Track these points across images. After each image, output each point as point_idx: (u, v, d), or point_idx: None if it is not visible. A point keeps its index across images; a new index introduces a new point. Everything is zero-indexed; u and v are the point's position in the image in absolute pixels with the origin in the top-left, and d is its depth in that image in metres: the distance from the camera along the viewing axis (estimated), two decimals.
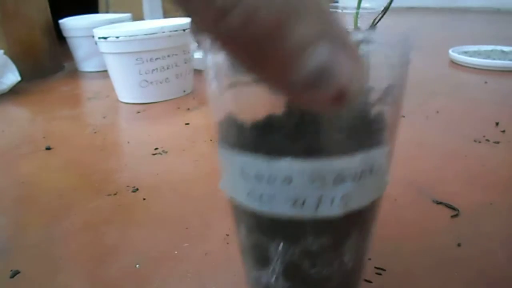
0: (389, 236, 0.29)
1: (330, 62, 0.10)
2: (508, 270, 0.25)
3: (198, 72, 0.71)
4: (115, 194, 0.37)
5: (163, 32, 0.61)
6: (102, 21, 0.86)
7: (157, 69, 0.63)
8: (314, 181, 0.16)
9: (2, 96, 0.71)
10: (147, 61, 0.62)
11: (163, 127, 0.54)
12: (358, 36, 0.15)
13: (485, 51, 0.85)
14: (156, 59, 0.63)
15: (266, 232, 0.19)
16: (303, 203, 0.16)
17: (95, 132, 0.53)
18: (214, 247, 0.29)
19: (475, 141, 0.45)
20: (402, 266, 0.26)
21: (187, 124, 0.54)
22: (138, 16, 0.95)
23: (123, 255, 0.29)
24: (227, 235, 0.30)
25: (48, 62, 0.89)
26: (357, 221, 0.19)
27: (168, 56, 0.64)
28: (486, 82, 0.67)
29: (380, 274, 0.25)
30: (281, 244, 0.19)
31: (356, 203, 0.17)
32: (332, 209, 0.17)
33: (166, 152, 0.45)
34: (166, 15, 1.07)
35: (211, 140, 0.48)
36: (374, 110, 0.17)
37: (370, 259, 0.26)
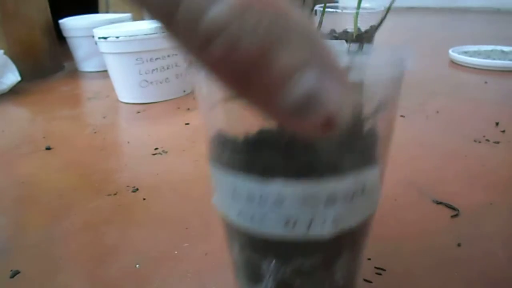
0: (389, 236, 0.29)
1: (317, 88, 0.10)
2: (508, 270, 0.25)
3: None
4: (115, 194, 0.37)
5: (163, 32, 0.61)
6: (102, 21, 0.86)
7: (157, 69, 0.63)
8: (306, 202, 0.16)
9: (2, 96, 0.71)
10: (147, 61, 0.62)
11: (163, 127, 0.54)
12: (348, 60, 0.15)
13: (485, 51, 0.85)
14: (156, 59, 0.63)
15: (258, 250, 0.19)
16: (295, 223, 0.16)
17: (95, 132, 0.53)
18: (214, 247, 0.29)
19: (475, 141, 0.45)
20: (402, 266, 0.26)
21: (187, 124, 0.54)
22: (138, 16, 0.95)
23: (123, 255, 0.29)
24: None
25: (48, 62, 0.89)
26: (349, 240, 0.19)
27: (168, 56, 0.64)
28: (486, 82, 0.67)
29: (380, 274, 0.25)
30: (273, 263, 0.19)
31: (348, 223, 0.17)
32: (324, 229, 0.17)
33: (166, 152, 0.45)
34: None
35: None
36: (366, 128, 0.17)
37: (370, 259, 0.26)
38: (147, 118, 0.59)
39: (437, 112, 0.54)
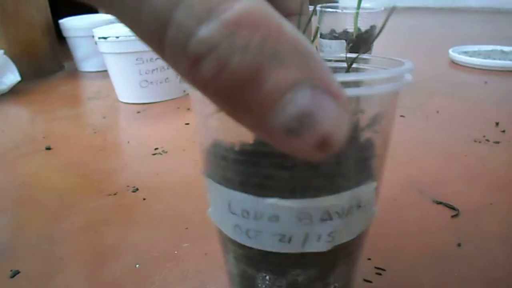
0: (389, 236, 0.29)
1: (311, 107, 0.10)
2: (508, 270, 0.25)
3: None
4: (115, 194, 0.37)
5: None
6: (102, 21, 0.86)
7: (157, 69, 0.63)
8: (301, 219, 0.16)
9: (2, 96, 0.71)
10: (147, 61, 0.62)
11: (163, 127, 0.54)
12: (346, 78, 0.14)
13: (485, 51, 0.85)
14: (156, 59, 0.62)
15: (253, 263, 0.19)
16: (290, 239, 0.16)
17: (95, 132, 0.53)
18: (214, 247, 0.29)
19: (475, 141, 0.45)
20: (402, 266, 0.26)
21: (187, 124, 0.54)
22: None
23: (123, 255, 0.29)
24: None
25: (48, 62, 0.89)
26: (344, 252, 0.19)
27: None
28: (486, 82, 0.67)
29: (380, 274, 0.25)
30: (268, 275, 0.19)
31: (343, 238, 0.17)
32: (319, 245, 0.16)
33: (166, 152, 0.45)
34: None
35: None
36: (363, 144, 0.17)
37: (370, 259, 0.26)
38: (147, 118, 0.59)
39: (437, 112, 0.54)
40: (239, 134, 0.16)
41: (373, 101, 0.17)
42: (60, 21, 0.90)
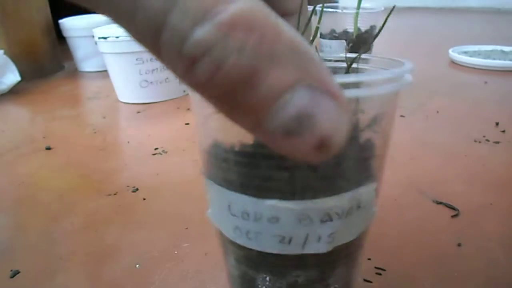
0: (389, 236, 0.29)
1: (310, 107, 0.09)
2: (508, 270, 0.25)
3: None
4: (115, 194, 0.37)
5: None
6: (102, 21, 0.86)
7: (157, 69, 0.63)
8: (301, 220, 0.16)
9: (2, 96, 0.71)
10: (147, 61, 0.62)
11: (163, 127, 0.54)
12: (345, 79, 0.14)
13: (485, 51, 0.85)
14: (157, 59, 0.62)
15: (253, 264, 0.19)
16: (290, 240, 0.16)
17: (95, 132, 0.53)
18: (214, 247, 0.29)
19: (475, 141, 0.45)
20: (402, 266, 0.26)
21: (187, 124, 0.54)
22: None
23: (123, 255, 0.29)
24: None
25: (48, 62, 0.89)
26: (344, 254, 0.19)
27: None
28: (486, 82, 0.67)
29: (380, 274, 0.25)
30: (269, 277, 0.18)
31: (344, 239, 0.17)
32: (319, 246, 0.16)
33: (166, 152, 0.45)
34: None
35: None
36: (363, 144, 0.17)
37: (370, 259, 0.26)
38: (147, 118, 0.59)
39: (437, 112, 0.54)
40: (239, 135, 0.16)
41: (373, 102, 0.17)
42: (60, 21, 0.90)
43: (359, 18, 0.60)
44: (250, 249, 0.17)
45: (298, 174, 0.16)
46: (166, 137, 0.50)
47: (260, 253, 0.17)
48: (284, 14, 0.21)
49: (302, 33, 0.19)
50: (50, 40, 0.90)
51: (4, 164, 0.46)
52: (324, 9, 0.64)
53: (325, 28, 0.65)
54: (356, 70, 0.20)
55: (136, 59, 0.62)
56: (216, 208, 0.18)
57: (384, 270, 0.26)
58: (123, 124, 0.60)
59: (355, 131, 0.16)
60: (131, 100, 0.65)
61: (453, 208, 0.32)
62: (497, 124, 0.49)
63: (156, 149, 0.46)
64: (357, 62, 0.19)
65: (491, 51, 0.85)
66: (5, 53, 0.73)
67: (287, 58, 0.09)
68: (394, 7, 0.19)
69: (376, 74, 0.15)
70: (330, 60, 0.21)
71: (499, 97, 0.61)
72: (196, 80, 0.10)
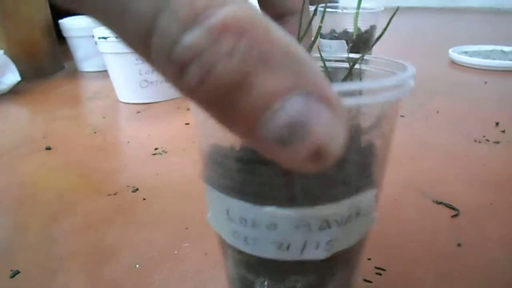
0: (389, 236, 0.29)
1: (303, 115, 0.09)
2: (508, 270, 0.25)
3: None
4: (115, 194, 0.37)
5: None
6: None
7: None
8: (299, 227, 0.16)
9: (2, 96, 0.71)
10: None
11: (163, 127, 0.54)
12: (345, 87, 0.13)
13: (485, 51, 0.85)
14: None
15: (252, 268, 0.19)
16: (288, 247, 0.16)
17: (95, 132, 0.53)
18: (214, 247, 0.29)
19: (475, 141, 0.45)
20: (402, 266, 0.26)
21: (187, 124, 0.54)
22: None
23: (123, 255, 0.29)
24: None
25: (48, 62, 0.89)
26: (343, 259, 0.19)
27: None
28: (486, 82, 0.67)
29: (380, 274, 0.25)
30: (267, 281, 0.18)
31: (342, 245, 0.17)
32: (318, 252, 0.16)
33: (166, 152, 0.45)
34: None
35: None
36: (363, 150, 0.17)
37: (370, 259, 0.26)
38: (147, 118, 0.59)
39: (437, 112, 0.54)
40: (237, 140, 0.16)
41: (373, 108, 0.16)
42: (60, 21, 0.90)
43: (359, 18, 0.60)
44: (249, 254, 0.17)
45: (297, 180, 0.15)
46: (166, 137, 0.50)
47: (258, 257, 0.17)
48: (285, 13, 0.21)
49: (304, 33, 0.19)
50: (50, 40, 0.90)
51: (4, 164, 0.46)
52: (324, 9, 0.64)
53: (325, 28, 0.65)
54: (359, 71, 0.20)
55: (136, 59, 0.62)
56: (215, 212, 0.18)
57: (384, 270, 0.26)
58: (123, 124, 0.60)
59: (355, 136, 0.16)
60: (131, 100, 0.65)
61: (453, 208, 0.32)
62: (497, 124, 0.49)
63: (156, 149, 0.46)
64: (360, 63, 0.19)
65: (491, 51, 0.85)
66: (5, 53, 0.73)
67: (280, 63, 0.09)
68: (397, 8, 0.19)
69: (377, 82, 0.15)
70: (330, 60, 0.21)
71: (499, 97, 0.61)
72: (186, 86, 0.09)
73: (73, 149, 0.48)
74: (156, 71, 0.10)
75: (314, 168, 0.10)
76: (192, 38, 0.09)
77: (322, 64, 0.20)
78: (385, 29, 0.17)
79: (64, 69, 0.94)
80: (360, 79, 0.20)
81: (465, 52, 0.83)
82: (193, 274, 0.26)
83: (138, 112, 0.61)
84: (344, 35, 0.63)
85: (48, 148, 0.48)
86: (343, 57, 0.20)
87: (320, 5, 0.23)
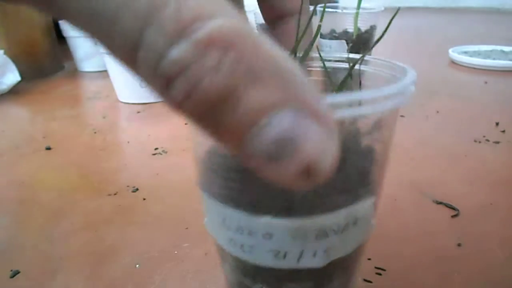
0: (389, 236, 0.29)
1: (292, 130, 0.09)
2: (508, 270, 0.25)
3: None
4: (115, 194, 0.37)
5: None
6: None
7: None
8: (296, 236, 0.16)
9: (2, 96, 0.71)
10: None
11: (163, 127, 0.54)
12: (338, 99, 0.12)
13: (485, 51, 0.85)
14: None
15: (249, 274, 0.19)
16: (285, 255, 0.16)
17: (95, 132, 0.53)
18: (214, 247, 0.29)
19: (475, 141, 0.45)
20: (402, 266, 0.26)
21: (187, 124, 0.54)
22: None
23: (123, 255, 0.29)
24: None
25: (48, 62, 0.89)
26: (341, 267, 0.18)
27: None
28: (486, 82, 0.67)
29: (380, 274, 0.25)
30: (264, 287, 0.18)
31: (340, 253, 0.17)
32: (315, 261, 0.16)
33: (166, 152, 0.45)
34: None
35: None
36: (361, 159, 0.16)
37: (370, 259, 0.26)
38: (147, 118, 0.59)
39: (437, 112, 0.54)
40: None
41: (372, 116, 0.16)
42: (60, 21, 0.90)
43: (359, 18, 0.60)
44: (246, 261, 0.17)
45: (293, 190, 0.15)
46: (166, 137, 0.50)
47: (255, 265, 0.17)
48: (285, 14, 0.21)
49: (303, 34, 0.19)
50: (50, 40, 0.90)
51: (4, 164, 0.46)
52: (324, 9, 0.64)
53: (325, 28, 0.65)
54: (358, 72, 0.20)
55: None
56: (211, 219, 0.18)
57: (384, 270, 0.26)
58: (123, 124, 0.60)
59: (354, 143, 0.16)
60: (131, 100, 0.65)
61: (453, 208, 0.32)
62: (497, 124, 0.49)
63: (156, 149, 0.46)
64: (359, 64, 0.19)
65: (491, 51, 0.85)
66: (5, 53, 0.73)
67: (269, 78, 0.09)
68: (398, 9, 0.19)
69: (377, 92, 0.14)
70: (330, 60, 0.21)
71: (499, 97, 0.61)
72: (172, 100, 0.09)
73: (73, 149, 0.48)
74: (144, 83, 0.10)
75: (304, 185, 0.09)
76: (178, 52, 0.09)
77: (322, 64, 0.20)
78: (385, 31, 0.17)
79: (64, 69, 0.94)
80: (360, 81, 0.20)
81: (465, 52, 0.83)
82: (193, 274, 0.26)
83: (138, 112, 0.61)
84: (344, 35, 0.63)
85: (48, 148, 0.48)
86: (343, 57, 0.20)
87: (319, 5, 0.23)
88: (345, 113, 0.13)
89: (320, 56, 0.20)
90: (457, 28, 1.36)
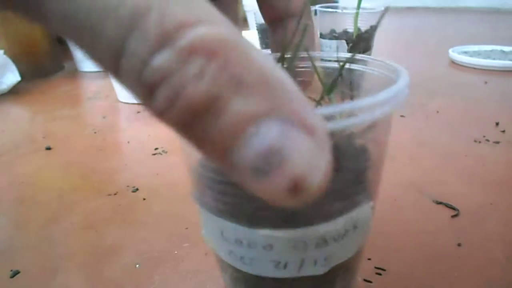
0: (389, 236, 0.29)
1: (279, 143, 0.08)
2: (508, 270, 0.25)
3: None
4: (115, 194, 0.37)
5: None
6: None
7: None
8: (296, 246, 0.15)
9: (2, 96, 0.71)
10: None
11: (163, 127, 0.54)
12: (328, 110, 0.12)
13: (485, 51, 0.85)
14: None
15: (250, 285, 0.19)
16: (285, 265, 0.16)
17: (95, 132, 0.53)
18: None
19: (475, 141, 0.45)
20: (402, 266, 0.26)
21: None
22: None
23: (123, 255, 0.29)
24: None
25: (48, 62, 0.89)
26: (342, 270, 0.18)
27: None
28: (486, 82, 0.67)
29: (380, 274, 0.25)
30: None
31: (340, 259, 0.17)
32: (316, 269, 0.16)
33: (166, 152, 0.45)
34: None
35: None
36: (358, 167, 0.16)
37: (370, 259, 0.26)
38: (147, 118, 0.59)
39: (437, 112, 0.54)
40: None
41: (365, 125, 0.16)
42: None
43: (359, 18, 0.60)
44: (246, 272, 0.17)
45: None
46: (166, 137, 0.50)
47: (256, 276, 0.17)
48: (286, 16, 0.21)
49: (303, 35, 0.18)
50: (50, 40, 0.90)
51: (4, 164, 0.46)
52: (324, 9, 0.64)
53: (325, 28, 0.65)
54: (350, 72, 0.19)
55: None
56: (209, 232, 0.18)
57: (384, 270, 0.26)
58: (123, 124, 0.60)
59: (349, 150, 0.16)
60: (131, 100, 0.65)
61: (453, 208, 0.32)
62: (497, 124, 0.49)
63: (156, 149, 0.46)
64: (350, 64, 0.19)
65: (491, 51, 0.85)
66: (5, 53, 0.73)
67: (254, 86, 0.09)
68: (387, 8, 0.19)
69: (370, 100, 0.13)
70: (329, 60, 0.21)
71: (499, 97, 0.61)
72: (155, 108, 0.09)
73: (73, 149, 0.48)
74: (128, 91, 0.10)
75: (294, 202, 0.09)
76: (161, 59, 0.08)
77: (320, 64, 0.20)
78: (375, 29, 0.17)
79: (64, 69, 0.94)
80: (350, 81, 0.20)
81: (465, 52, 0.83)
82: (193, 274, 0.26)
83: (138, 112, 0.61)
84: (344, 35, 0.63)
85: (48, 148, 0.48)
86: (340, 57, 0.20)
87: (318, 6, 0.23)
88: (338, 125, 0.12)
89: (310, 56, 0.20)
90: (457, 28, 1.36)
